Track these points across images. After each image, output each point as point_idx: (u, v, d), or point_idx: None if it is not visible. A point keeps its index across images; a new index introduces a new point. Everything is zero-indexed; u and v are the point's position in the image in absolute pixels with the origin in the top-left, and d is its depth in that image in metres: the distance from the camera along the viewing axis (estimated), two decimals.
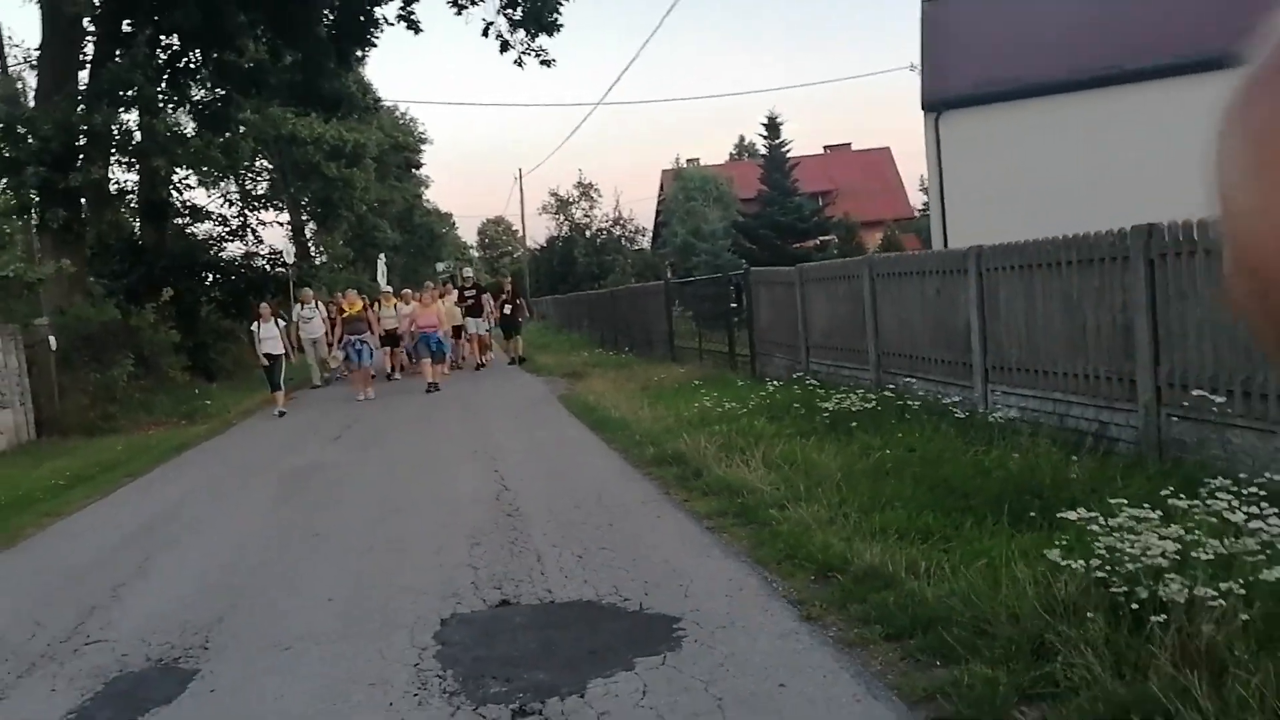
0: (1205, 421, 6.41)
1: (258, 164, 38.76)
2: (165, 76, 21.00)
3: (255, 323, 16.68)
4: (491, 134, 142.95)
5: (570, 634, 4.73)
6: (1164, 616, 3.59)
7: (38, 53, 19.60)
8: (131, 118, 20.60)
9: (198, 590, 6.15)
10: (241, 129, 24.63)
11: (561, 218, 49.29)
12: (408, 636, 4.87)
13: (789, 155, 42.12)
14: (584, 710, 3.89)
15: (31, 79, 21.36)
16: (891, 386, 10.52)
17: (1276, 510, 4.19)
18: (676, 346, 19.32)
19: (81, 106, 17.72)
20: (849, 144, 53.16)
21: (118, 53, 20.43)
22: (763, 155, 42.46)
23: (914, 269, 10.68)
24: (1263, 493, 4.44)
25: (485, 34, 23.05)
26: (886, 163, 50.33)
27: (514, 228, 66.03)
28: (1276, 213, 0.39)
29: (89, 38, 19.95)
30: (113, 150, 20.16)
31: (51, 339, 15.81)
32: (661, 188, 49.53)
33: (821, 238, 41.28)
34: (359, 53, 24.95)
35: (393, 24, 23.71)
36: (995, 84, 24.50)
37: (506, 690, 4.14)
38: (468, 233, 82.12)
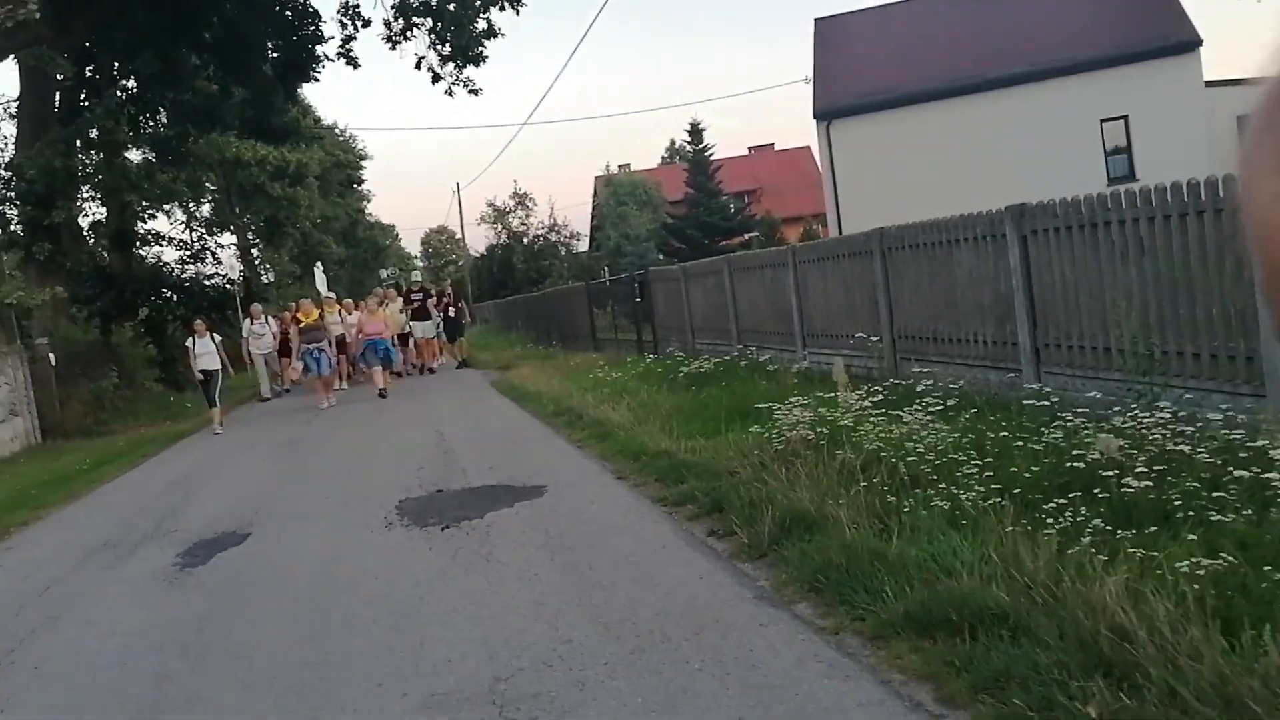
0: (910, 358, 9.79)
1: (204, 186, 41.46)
2: (128, 117, 23.87)
3: (190, 338, 16.78)
4: (430, 149, 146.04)
5: (479, 499, 7.95)
6: (791, 451, 6.87)
7: (15, 104, 22.37)
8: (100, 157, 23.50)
9: (233, 503, 9.28)
10: (193, 159, 27.59)
11: (499, 226, 52.54)
12: (379, 508, 8.06)
13: (714, 158, 45.61)
14: (483, 524, 7.09)
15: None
16: (749, 354, 13.82)
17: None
18: (598, 338, 22.57)
19: (62, 153, 20.53)
20: (772, 144, 56.77)
21: (83, 99, 23.33)
22: (688, 160, 45.84)
23: (756, 264, 14.07)
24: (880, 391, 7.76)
25: (418, 67, 26.12)
26: (807, 160, 53.81)
27: (457, 236, 69.21)
28: None
29: (59, 88, 22.81)
30: (87, 188, 23.00)
31: (51, 356, 18.71)
32: (595, 193, 52.77)
33: (746, 235, 44.69)
34: (302, 86, 27.95)
35: (333, 60, 26.71)
36: (878, 94, 28.04)
37: (437, 521, 7.35)
38: (411, 243, 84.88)
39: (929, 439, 6.07)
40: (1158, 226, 6.96)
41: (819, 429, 6.92)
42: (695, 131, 44.64)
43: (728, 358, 13.64)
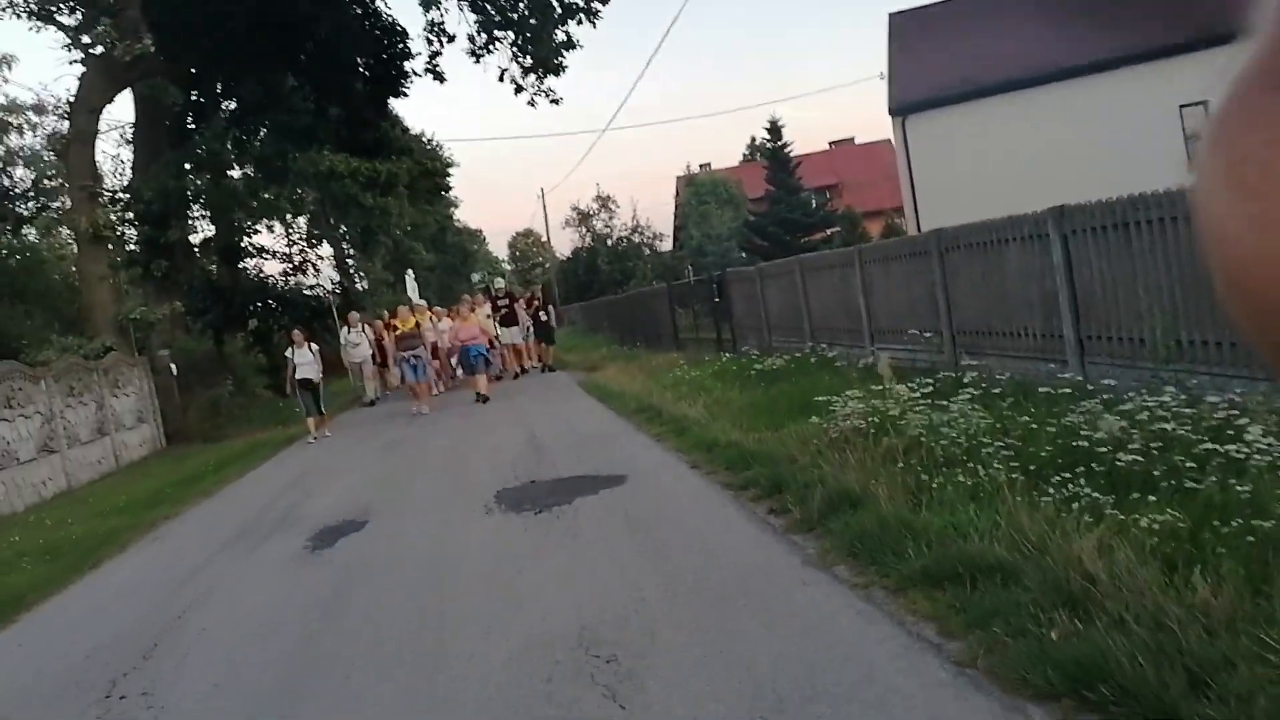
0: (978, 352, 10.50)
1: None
2: (233, 139, 25.51)
3: (290, 348, 17.08)
4: (514, 154, 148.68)
5: (567, 487, 8.91)
6: (844, 439, 7.69)
7: (132, 130, 24.07)
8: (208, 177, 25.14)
9: (349, 496, 10.40)
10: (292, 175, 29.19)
11: (584, 229, 53.79)
12: (479, 497, 9.07)
13: (794, 154, 46.21)
14: (571, 508, 8.04)
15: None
16: (820, 351, 14.58)
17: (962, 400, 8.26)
18: (680, 338, 23.46)
19: (174, 175, 22.11)
20: (852, 138, 57.05)
21: (190, 123, 25.01)
22: (766, 158, 46.49)
23: (825, 264, 14.83)
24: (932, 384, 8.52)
25: (501, 79, 27.38)
26: (887, 154, 53.82)
27: (543, 239, 70.77)
28: (1262, 244, 0.40)
29: (169, 114, 24.48)
30: (197, 206, 24.64)
31: (172, 366, 20.27)
32: (678, 193, 53.68)
33: (828, 230, 45.19)
34: (392, 101, 29.41)
35: (420, 75, 28.08)
36: (953, 87, 28.41)
37: (531, 507, 8.32)
38: (498, 247, 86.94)
39: (964, 425, 6.85)
40: (1180, 226, 7.62)
41: (870, 419, 7.73)
42: (774, 129, 45.29)
43: (799, 354, 14.41)
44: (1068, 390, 7.61)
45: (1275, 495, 4.40)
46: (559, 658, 4.79)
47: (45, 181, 33.99)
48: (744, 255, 43.42)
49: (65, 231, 35.94)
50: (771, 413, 9.98)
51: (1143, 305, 8.09)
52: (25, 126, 31.77)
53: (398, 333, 19.66)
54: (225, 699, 5.10)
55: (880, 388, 8.43)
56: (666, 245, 55.53)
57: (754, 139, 62.17)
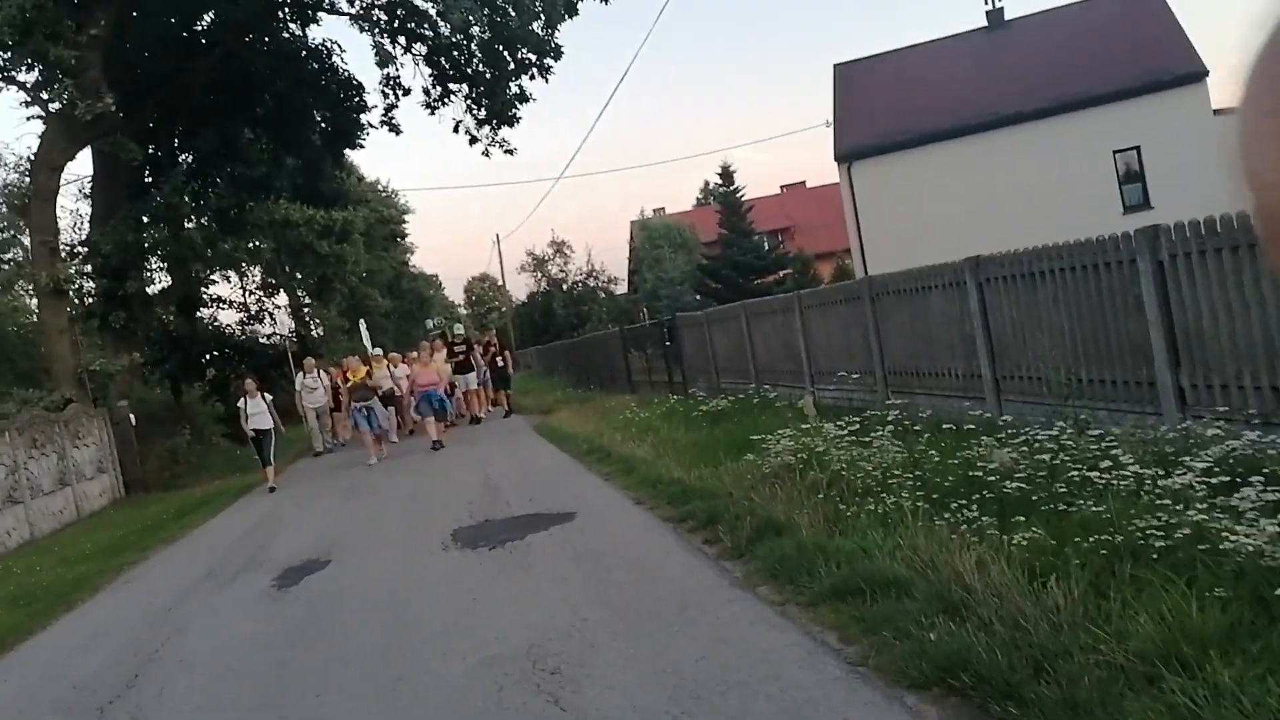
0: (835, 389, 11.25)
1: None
2: (190, 191, 25.99)
3: (242, 399, 16.99)
4: (469, 200, 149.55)
5: (520, 525, 9.51)
6: (774, 474, 8.37)
7: (90, 184, 24.49)
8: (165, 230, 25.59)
9: (311, 539, 10.92)
10: (250, 225, 29.77)
11: (539, 274, 54.58)
12: (436, 536, 9.65)
13: (747, 198, 47.33)
14: (523, 544, 8.64)
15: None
16: (763, 392, 15.30)
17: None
18: (634, 381, 24.14)
19: (133, 228, 22.54)
20: (804, 182, 58.37)
21: (147, 176, 25.50)
22: (719, 202, 47.56)
23: (768, 310, 15.62)
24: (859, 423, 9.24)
25: (455, 130, 28.09)
26: (838, 196, 55.30)
27: (499, 283, 71.51)
28: None
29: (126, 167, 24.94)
30: (155, 259, 25.07)
31: (131, 416, 20.62)
32: (632, 237, 54.62)
33: (780, 273, 46.21)
34: (348, 152, 30.09)
35: (376, 127, 28.77)
36: (896, 134, 29.54)
37: (485, 543, 8.92)
38: (454, 291, 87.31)
39: (880, 459, 7.56)
40: (1078, 275, 8.43)
41: (800, 455, 8.42)
42: (725, 174, 46.41)
43: (743, 396, 15.11)
44: (972, 426, 8.35)
45: (1129, 514, 5.12)
46: (509, 671, 5.40)
47: None
48: (698, 298, 44.33)
49: (19, 285, 36.27)
50: (712, 451, 10.66)
51: (1044, 347, 8.88)
52: None
53: (349, 384, 19.60)
54: (210, 716, 5.65)
55: (807, 426, 9.14)
56: (622, 288, 56.40)
57: (707, 183, 63.40)
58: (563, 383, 31.96)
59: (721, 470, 9.38)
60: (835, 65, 33.76)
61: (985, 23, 32.33)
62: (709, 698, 4.54)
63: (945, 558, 5.30)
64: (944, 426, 8.71)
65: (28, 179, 22.49)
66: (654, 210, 57.00)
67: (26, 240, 33.58)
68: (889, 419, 9.07)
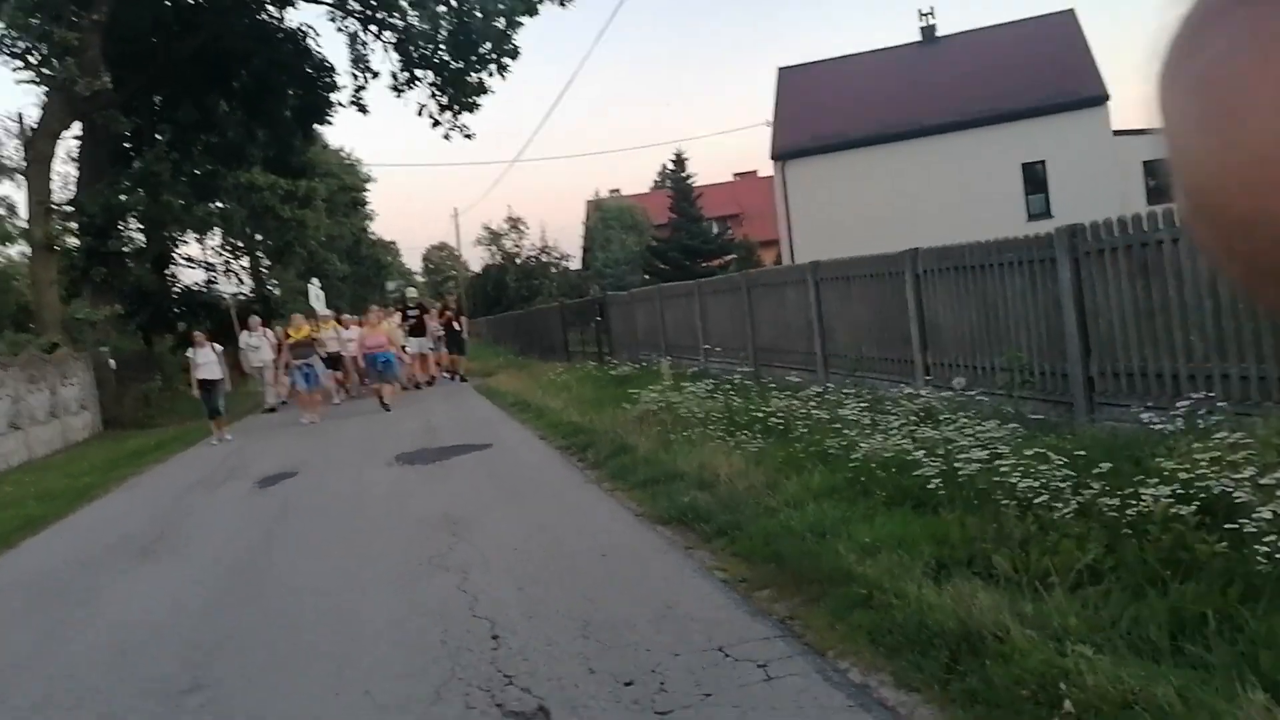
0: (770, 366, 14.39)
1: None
2: (169, 160, 28.64)
3: (190, 349, 17.68)
4: (431, 174, 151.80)
5: (449, 451, 12.53)
6: (639, 417, 11.45)
7: (78, 150, 27.01)
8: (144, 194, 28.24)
9: (281, 461, 13.86)
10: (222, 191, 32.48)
11: (494, 248, 57.46)
12: (383, 458, 12.65)
13: (701, 185, 50.42)
14: (449, 463, 11.66)
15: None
16: (676, 363, 18.33)
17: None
18: (570, 351, 27.15)
19: (122, 193, 25.19)
20: (755, 171, 61.43)
21: (127, 143, 28.11)
22: (671, 187, 50.59)
23: (676, 294, 18.68)
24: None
25: (419, 114, 30.90)
26: None
27: (458, 253, 74.32)
28: (1229, 157, 0.41)
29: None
30: (134, 220, 27.70)
31: (111, 361, 23.36)
32: (587, 216, 57.53)
33: (726, 257, 49.32)
34: (317, 127, 32.80)
35: (345, 106, 31.51)
36: (829, 137, 32.63)
37: (422, 462, 11.92)
38: (413, 260, 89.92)
39: (708, 405, 10.65)
40: (873, 281, 11.55)
41: (659, 404, 11.51)
42: (678, 161, 49.52)
43: (649, 365, 18.20)
44: (774, 386, 11.50)
45: (819, 439, 8.24)
46: (430, 523, 8.43)
47: None
48: (646, 278, 47.36)
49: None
50: (603, 403, 13.73)
51: (850, 331, 12.03)
52: None
53: (290, 340, 19.86)
54: (226, 556, 8.64)
55: (667, 384, 12.25)
56: (576, 265, 59.31)
57: (664, 167, 66.41)
58: (508, 350, 34.92)
59: (604, 415, 12.43)
60: (779, 68, 36.79)
61: (920, 38, 35.44)
62: (551, 529, 7.63)
63: (713, 461, 8.38)
64: (775, 389, 11.83)
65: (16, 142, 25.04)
66: (610, 191, 59.99)
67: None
68: (735, 382, 12.18)
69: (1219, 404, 6.58)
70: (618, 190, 60.35)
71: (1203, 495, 4.83)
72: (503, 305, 51.70)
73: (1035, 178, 31.79)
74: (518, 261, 55.55)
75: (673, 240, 49.06)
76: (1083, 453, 6.16)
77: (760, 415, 9.85)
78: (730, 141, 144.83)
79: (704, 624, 5.10)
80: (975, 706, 3.76)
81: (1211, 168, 0.43)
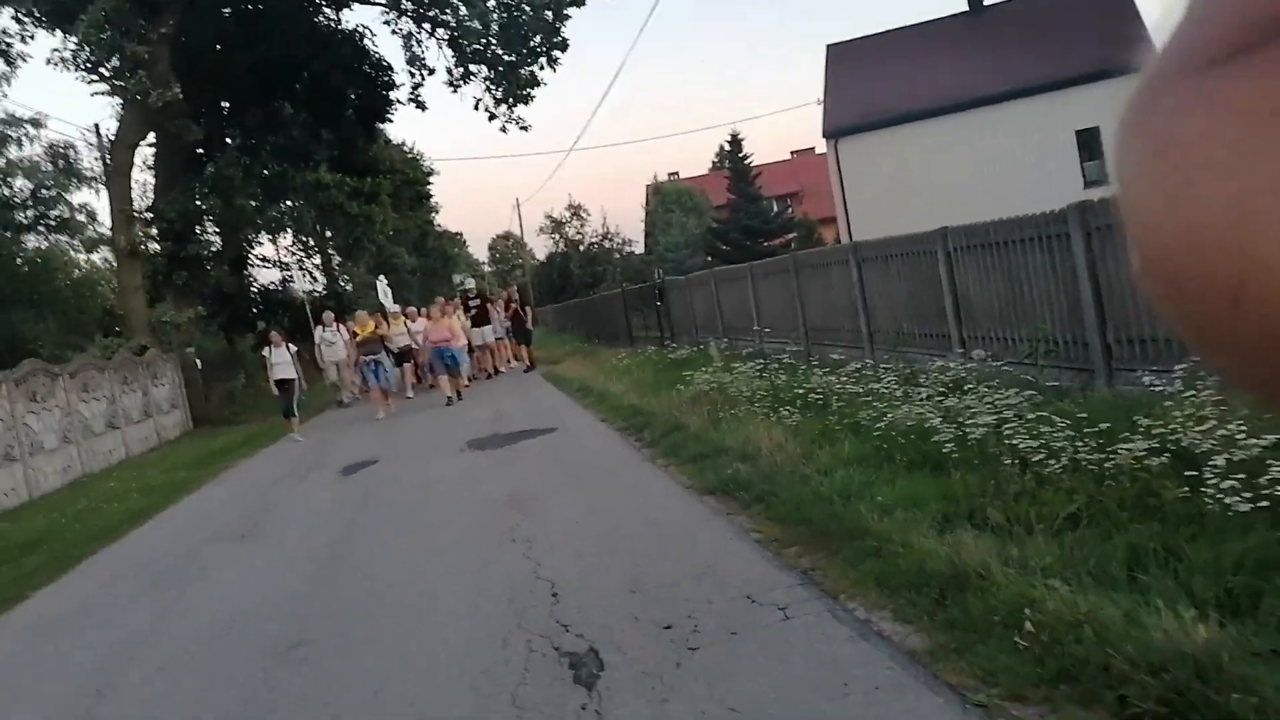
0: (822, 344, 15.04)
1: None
2: (241, 164, 29.88)
3: (266, 348, 18.05)
4: (493, 164, 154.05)
5: (517, 436, 13.38)
6: (691, 397, 12.20)
7: (154, 158, 28.35)
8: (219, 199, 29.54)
9: (361, 452, 14.83)
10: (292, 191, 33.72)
11: (557, 236, 58.49)
12: (455, 445, 13.54)
13: (759, 164, 50.87)
14: (517, 447, 12.50)
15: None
16: (732, 344, 19.03)
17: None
18: (633, 336, 27.93)
19: (197, 198, 26.46)
20: (813, 148, 61.60)
21: (199, 149, 29.40)
22: (729, 168, 51.11)
23: (730, 277, 19.35)
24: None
25: (476, 108, 31.84)
26: None
27: (523, 241, 75.61)
28: (1176, 219, 0.42)
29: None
30: (210, 223, 29.02)
31: (197, 361, 24.65)
32: (647, 200, 58.25)
33: (787, 236, 49.76)
34: (379, 125, 33.92)
35: (404, 104, 32.55)
36: (880, 113, 32.96)
37: (489, 448, 12.79)
38: (479, 249, 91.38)
39: (755, 384, 11.36)
40: (909, 259, 12.14)
41: (710, 385, 12.24)
42: (735, 142, 49.98)
43: (705, 348, 18.90)
44: (818, 364, 12.15)
45: (854, 411, 8.91)
46: (497, 504, 9.27)
47: (43, 191, 38.28)
48: (708, 260, 47.96)
49: (65, 240, 40.48)
50: (660, 386, 14.48)
51: (898, 311, 12.63)
52: (24, 139, 36.06)
53: (358, 338, 20.23)
54: (318, 537, 9.56)
55: (718, 366, 12.97)
56: (639, 249, 60.08)
57: (721, 148, 66.85)
58: (574, 338, 35.81)
59: (661, 396, 13.19)
60: (827, 45, 37.12)
61: (966, 8, 35.54)
62: (608, 504, 8.41)
63: (756, 436, 9.09)
64: (818, 366, 12.50)
65: (96, 149, 26.37)
66: (669, 175, 60.64)
67: (74, 200, 37.95)
68: (783, 362, 12.85)
69: None
70: (676, 173, 61.02)
71: (1172, 448, 5.46)
72: (568, 292, 52.64)
73: (1090, 144, 31.81)
74: (581, 249, 56.49)
75: (732, 221, 49.61)
76: (1085, 415, 6.79)
77: (801, 392, 10.54)
78: (787, 119, 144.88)
79: (737, 578, 5.84)
80: (954, 631, 4.46)
81: (1161, 228, 0.44)
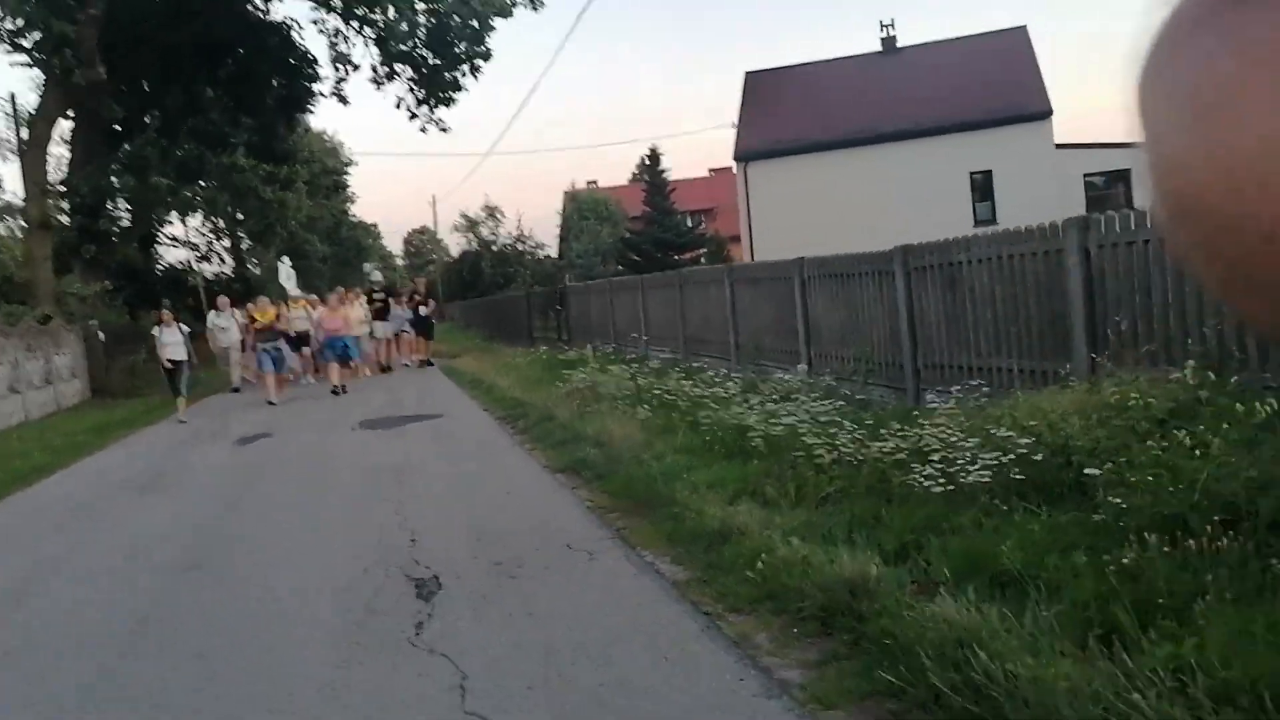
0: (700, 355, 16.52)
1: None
2: (157, 145, 30.55)
3: (157, 327, 17.97)
4: (411, 160, 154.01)
5: (406, 420, 14.60)
6: (569, 393, 13.55)
7: (71, 133, 28.87)
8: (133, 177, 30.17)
9: (257, 426, 15.89)
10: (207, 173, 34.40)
11: (471, 235, 59.52)
12: (348, 424, 14.71)
13: (676, 180, 52.48)
14: (404, 428, 13.72)
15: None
16: (621, 349, 20.40)
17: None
18: (534, 336, 29.21)
19: (112, 175, 27.14)
20: (730, 168, 63.44)
21: (117, 126, 29.99)
22: (646, 181, 52.66)
23: (626, 287, 20.77)
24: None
25: (397, 107, 32.86)
26: None
27: (438, 237, 76.38)
28: (1215, 159, 0.41)
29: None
30: (123, 200, 29.65)
31: (100, 333, 25.30)
32: (564, 207, 59.51)
33: (697, 251, 51.41)
34: (299, 116, 34.73)
35: (327, 97, 33.46)
36: (790, 141, 34.67)
37: (379, 428, 13.99)
38: (394, 242, 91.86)
39: (624, 384, 12.76)
40: (772, 284, 13.65)
41: (585, 382, 13.61)
42: (654, 156, 51.54)
43: (595, 350, 20.30)
44: (681, 371, 13.63)
45: (696, 411, 10.34)
46: (381, 472, 10.51)
47: None
48: (620, 269, 49.39)
49: None
50: (543, 382, 15.82)
51: (751, 325, 14.13)
52: None
53: (256, 325, 20.18)
54: (214, 490, 10.70)
55: (594, 367, 14.36)
56: (554, 253, 61.25)
57: (642, 160, 68.46)
58: (477, 335, 36.97)
59: (541, 391, 14.53)
60: (746, 72, 38.85)
61: (880, 48, 37.55)
62: (474, 476, 9.72)
63: (611, 427, 10.47)
64: (680, 373, 13.95)
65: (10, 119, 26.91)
66: (587, 183, 62.02)
67: None
68: (654, 367, 14.28)
69: (984, 388, 8.71)
70: (595, 182, 62.45)
71: (910, 448, 6.96)
72: (477, 291, 53.64)
73: (982, 186, 33.91)
74: (494, 249, 57.60)
75: (646, 233, 51.10)
76: (871, 423, 8.29)
77: (659, 393, 11.96)
78: (709, 137, 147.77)
79: (562, 532, 7.21)
80: (709, 570, 5.87)
81: (1196, 170, 0.42)
